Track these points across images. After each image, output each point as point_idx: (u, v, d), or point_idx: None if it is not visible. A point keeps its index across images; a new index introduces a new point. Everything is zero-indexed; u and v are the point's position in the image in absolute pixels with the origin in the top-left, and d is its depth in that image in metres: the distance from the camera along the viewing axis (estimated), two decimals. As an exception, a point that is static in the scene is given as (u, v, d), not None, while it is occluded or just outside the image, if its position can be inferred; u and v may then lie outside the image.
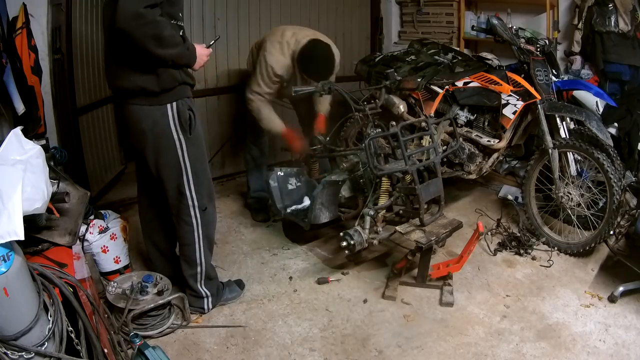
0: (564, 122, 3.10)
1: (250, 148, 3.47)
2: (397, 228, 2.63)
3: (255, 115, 3.17)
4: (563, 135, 3.06)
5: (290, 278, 2.85)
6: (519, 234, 3.21)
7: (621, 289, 2.56)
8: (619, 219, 2.83)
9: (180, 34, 2.06)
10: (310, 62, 2.92)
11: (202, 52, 2.17)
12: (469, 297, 2.67)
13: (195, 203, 2.30)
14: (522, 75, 3.19)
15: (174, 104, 2.12)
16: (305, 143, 3.25)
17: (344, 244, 2.59)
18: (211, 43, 2.30)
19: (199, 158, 2.27)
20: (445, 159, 3.33)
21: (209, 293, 2.50)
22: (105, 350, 1.65)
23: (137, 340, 1.95)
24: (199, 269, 2.43)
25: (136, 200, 3.62)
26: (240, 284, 2.70)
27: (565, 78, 3.49)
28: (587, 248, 2.91)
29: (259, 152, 3.47)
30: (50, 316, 1.45)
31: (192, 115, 2.19)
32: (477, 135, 3.26)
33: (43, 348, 1.37)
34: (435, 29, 4.61)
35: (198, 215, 2.33)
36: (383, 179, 2.73)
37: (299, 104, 3.44)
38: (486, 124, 3.29)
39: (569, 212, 3.01)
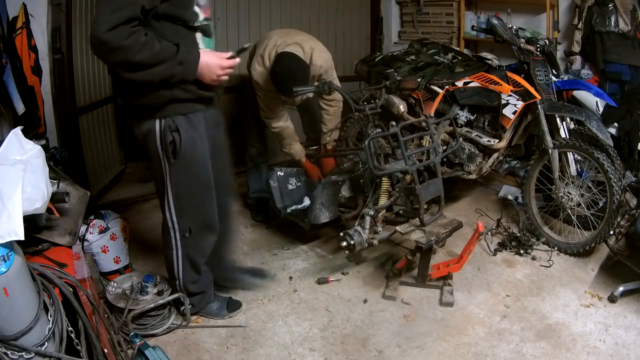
0: (564, 122, 3.10)
1: (249, 148, 3.47)
2: (397, 228, 2.63)
3: (277, 139, 3.27)
4: (563, 135, 3.06)
5: (290, 278, 2.85)
6: (519, 234, 3.21)
7: (621, 289, 2.56)
8: (619, 219, 2.83)
9: (183, 38, 1.85)
10: (276, 80, 2.87)
11: (215, 63, 1.90)
12: (469, 297, 2.67)
13: (175, 226, 2.14)
14: (522, 75, 3.19)
15: (163, 121, 1.92)
16: (320, 169, 3.38)
17: (344, 244, 2.59)
18: (236, 51, 1.99)
19: (187, 182, 2.05)
20: (445, 159, 3.33)
21: (189, 301, 2.38)
22: (105, 350, 1.65)
23: (137, 340, 1.95)
24: (176, 282, 2.32)
25: (136, 200, 3.63)
26: (235, 304, 2.55)
27: (565, 78, 3.49)
28: (587, 248, 2.91)
29: (258, 152, 3.47)
30: (50, 316, 1.45)
31: (178, 139, 1.94)
32: (477, 135, 3.26)
33: (43, 348, 1.37)
34: (435, 29, 4.61)
35: (178, 238, 2.18)
36: (383, 179, 2.73)
37: (302, 106, 3.43)
38: (486, 124, 3.29)
39: (569, 212, 3.01)
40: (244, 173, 4.32)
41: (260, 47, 3.06)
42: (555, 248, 3.07)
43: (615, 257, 2.90)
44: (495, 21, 3.15)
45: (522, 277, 2.83)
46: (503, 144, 3.17)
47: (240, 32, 4.07)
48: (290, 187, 3.22)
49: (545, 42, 3.27)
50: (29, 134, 2.57)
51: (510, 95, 3.12)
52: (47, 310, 1.45)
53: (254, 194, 3.55)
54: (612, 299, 2.57)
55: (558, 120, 3.09)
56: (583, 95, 3.35)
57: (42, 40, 3.02)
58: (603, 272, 2.85)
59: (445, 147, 3.24)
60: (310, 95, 2.98)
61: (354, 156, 3.13)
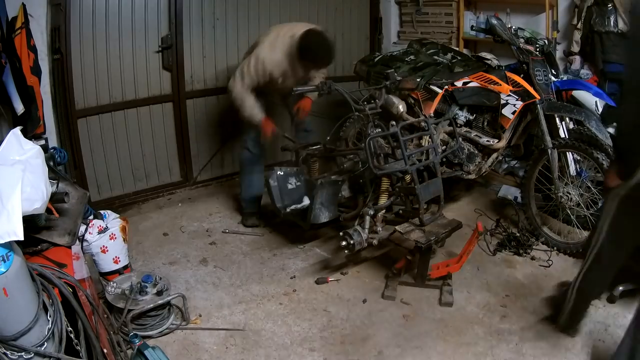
0: (563, 122, 3.10)
1: (243, 152, 3.44)
2: (397, 228, 2.63)
3: (237, 104, 3.16)
4: (562, 135, 3.06)
5: (290, 278, 2.85)
6: (518, 234, 3.21)
7: (620, 288, 2.56)
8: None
9: None
10: (312, 51, 2.92)
11: None
12: (469, 297, 2.67)
13: None
14: (522, 75, 3.19)
15: None
16: (277, 129, 3.23)
17: (344, 243, 2.59)
18: None
19: None
20: (444, 159, 3.33)
21: None
22: (105, 351, 1.65)
23: (137, 341, 1.95)
24: None
25: (135, 200, 3.62)
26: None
27: (565, 78, 3.49)
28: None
29: (254, 157, 3.43)
30: (50, 316, 1.44)
31: None
32: (476, 135, 3.26)
33: (42, 348, 1.37)
34: (434, 29, 4.61)
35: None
36: (383, 178, 2.73)
37: (288, 99, 3.42)
38: (485, 124, 3.29)
39: (568, 212, 3.01)
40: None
41: (269, 35, 3.10)
42: (555, 248, 3.07)
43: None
44: (494, 21, 3.15)
45: (521, 277, 2.84)
46: (502, 143, 3.17)
47: (240, 32, 4.07)
48: (290, 186, 3.20)
49: (544, 42, 3.27)
50: (28, 134, 2.57)
51: (509, 95, 3.12)
52: (46, 310, 1.45)
53: (247, 202, 3.53)
54: (611, 299, 2.56)
55: (557, 120, 3.09)
56: (582, 95, 3.35)
57: (41, 41, 3.02)
58: (602, 272, 2.85)
59: (444, 147, 3.24)
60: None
61: (353, 156, 3.13)
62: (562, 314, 2.32)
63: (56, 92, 3.26)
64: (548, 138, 2.99)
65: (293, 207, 3.08)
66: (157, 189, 3.99)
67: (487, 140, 3.20)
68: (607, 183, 1.91)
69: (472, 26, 4.01)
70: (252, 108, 3.15)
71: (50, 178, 1.64)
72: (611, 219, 1.92)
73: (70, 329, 1.51)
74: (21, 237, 1.26)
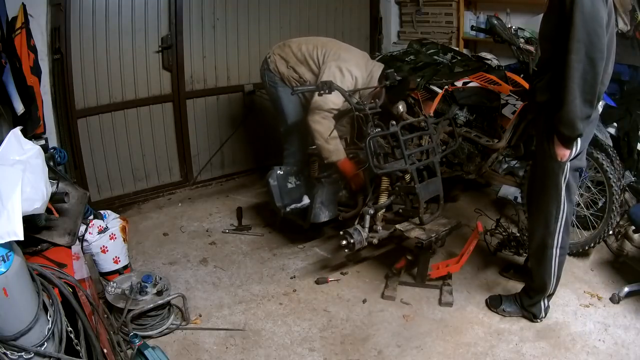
0: (563, 122, 3.09)
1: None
2: (397, 226, 2.64)
3: (321, 136, 2.89)
4: (562, 135, 3.05)
5: (290, 278, 2.85)
6: (518, 234, 3.20)
7: (626, 289, 2.54)
8: (618, 219, 2.83)
9: None
10: (399, 89, 2.93)
11: None
12: (469, 297, 2.67)
13: None
14: (522, 75, 3.19)
15: None
16: (362, 177, 2.93)
17: (344, 242, 2.59)
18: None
19: None
20: (444, 159, 3.32)
21: None
22: (105, 351, 1.65)
23: (137, 341, 1.95)
24: None
25: (135, 200, 3.61)
26: None
27: (565, 78, 3.48)
28: (587, 248, 2.90)
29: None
30: (50, 316, 1.44)
31: None
32: (476, 135, 3.26)
33: (42, 348, 1.37)
34: (434, 29, 4.61)
35: None
36: (382, 178, 2.73)
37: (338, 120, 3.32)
38: (485, 123, 3.29)
39: (568, 211, 3.00)
40: (243, 173, 4.34)
41: (346, 51, 3.08)
42: (555, 248, 3.06)
43: (621, 259, 2.89)
44: (494, 21, 3.14)
45: (521, 277, 2.83)
46: (502, 143, 3.16)
47: (240, 32, 4.07)
48: (289, 185, 3.20)
49: (544, 42, 3.26)
50: (28, 134, 2.57)
51: (509, 95, 3.12)
52: (46, 310, 1.45)
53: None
54: (616, 300, 2.55)
55: (557, 120, 3.08)
56: (582, 95, 3.34)
57: (41, 41, 3.02)
58: (602, 272, 2.85)
59: (444, 146, 3.24)
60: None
61: (353, 155, 3.13)
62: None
63: (56, 92, 3.26)
64: (548, 138, 2.98)
65: (293, 206, 3.09)
66: (157, 189, 3.99)
67: (487, 140, 3.20)
68: (562, 157, 2.08)
69: (472, 26, 4.01)
70: (337, 144, 2.94)
71: (50, 178, 1.64)
72: (566, 184, 2.17)
73: (70, 329, 1.51)
74: (21, 237, 1.26)
